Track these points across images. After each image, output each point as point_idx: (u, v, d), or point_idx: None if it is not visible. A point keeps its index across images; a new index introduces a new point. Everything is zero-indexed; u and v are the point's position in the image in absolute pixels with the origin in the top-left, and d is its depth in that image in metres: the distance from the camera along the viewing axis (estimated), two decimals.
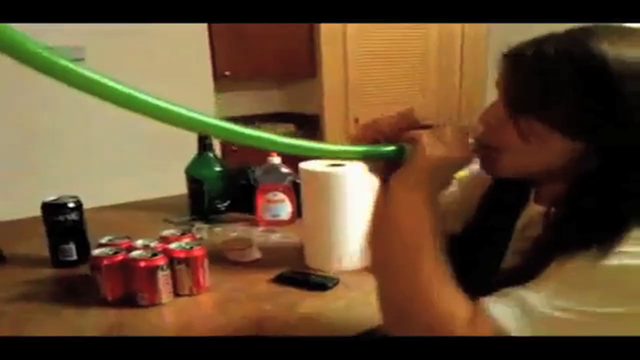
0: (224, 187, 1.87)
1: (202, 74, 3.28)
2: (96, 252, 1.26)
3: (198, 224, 1.75)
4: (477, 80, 4.49)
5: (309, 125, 3.95)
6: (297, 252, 1.49)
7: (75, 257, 1.44)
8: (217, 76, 3.35)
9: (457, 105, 4.67)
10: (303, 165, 1.43)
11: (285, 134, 0.81)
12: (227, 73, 3.46)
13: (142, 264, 1.21)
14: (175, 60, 3.15)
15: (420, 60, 4.49)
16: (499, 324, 0.73)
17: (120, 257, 1.24)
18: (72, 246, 1.43)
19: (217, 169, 1.86)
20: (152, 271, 1.21)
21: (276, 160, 1.76)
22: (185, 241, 1.32)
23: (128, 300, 1.23)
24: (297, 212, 1.74)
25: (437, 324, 0.76)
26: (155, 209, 1.98)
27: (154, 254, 1.23)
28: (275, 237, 1.64)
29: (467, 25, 4.55)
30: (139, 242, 1.30)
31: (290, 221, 1.75)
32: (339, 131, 4.00)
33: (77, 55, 2.83)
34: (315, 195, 1.39)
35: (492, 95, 0.89)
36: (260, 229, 1.72)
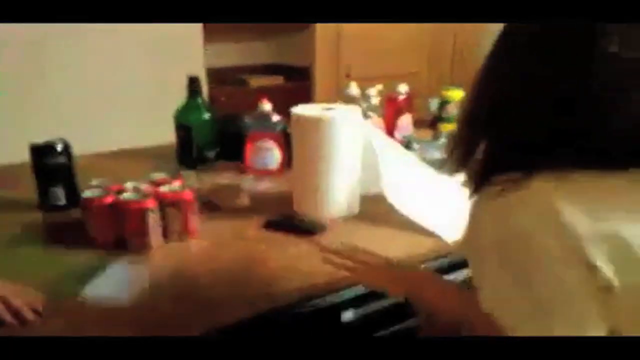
0: (213, 134, 1.86)
1: (191, 25, 3.23)
2: (87, 193, 1.25)
3: (186, 172, 1.74)
4: (470, 41, 4.47)
5: (299, 77, 3.92)
6: (286, 199, 1.50)
7: (64, 201, 1.43)
8: (207, 25, 3.29)
9: (450, 61, 4.64)
10: (295, 109, 1.42)
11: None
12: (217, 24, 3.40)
13: (132, 205, 1.21)
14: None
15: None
16: None
17: (110, 198, 1.24)
18: (61, 190, 1.42)
19: (206, 115, 1.85)
20: (142, 213, 1.21)
21: (267, 107, 1.75)
22: (176, 184, 1.32)
23: (118, 244, 1.24)
24: (287, 162, 1.74)
25: None
26: (143, 156, 1.97)
27: (144, 196, 1.23)
28: (264, 185, 1.64)
29: None
30: (129, 185, 1.30)
31: (279, 171, 1.75)
32: (329, 84, 3.97)
33: None
34: (305, 140, 1.39)
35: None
36: (249, 177, 1.72)
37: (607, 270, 0.71)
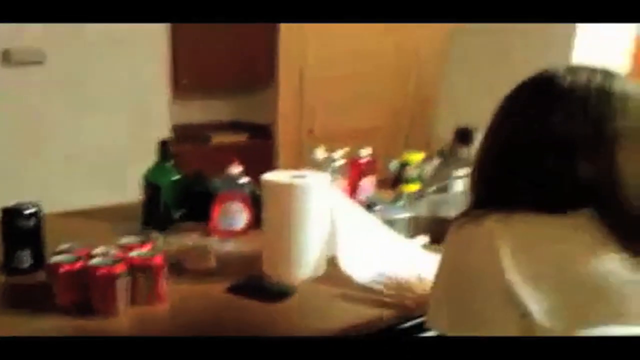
0: (181, 195, 1.89)
1: (158, 81, 3.28)
2: (55, 259, 1.26)
3: (154, 233, 1.75)
4: (430, 95, 4.61)
5: (262, 134, 3.98)
6: (253, 261, 1.52)
7: (29, 264, 1.43)
8: (176, 84, 3.35)
9: (410, 116, 4.77)
10: (266, 176, 1.47)
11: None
12: (184, 81, 3.47)
13: (101, 272, 1.22)
14: (134, 66, 3.15)
15: (376, 75, 4.57)
16: None
17: (78, 264, 1.25)
18: (27, 253, 1.42)
19: (175, 176, 1.88)
20: (111, 279, 1.22)
21: (236, 169, 1.79)
22: (145, 249, 1.34)
23: (84, 309, 1.24)
24: (254, 223, 1.78)
25: None
26: (109, 216, 1.97)
27: (113, 262, 1.24)
28: (230, 247, 1.67)
29: (423, 39, 4.65)
30: (98, 250, 1.31)
31: (244, 232, 1.78)
32: (292, 140, 4.04)
33: (37, 59, 2.81)
34: (277, 206, 1.44)
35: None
36: (215, 238, 1.74)
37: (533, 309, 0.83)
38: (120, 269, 1.23)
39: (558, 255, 0.87)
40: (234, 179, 1.80)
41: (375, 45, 4.46)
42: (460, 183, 2.35)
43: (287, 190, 1.42)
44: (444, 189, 2.31)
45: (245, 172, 1.86)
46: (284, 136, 4.04)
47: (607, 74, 0.96)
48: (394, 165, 2.44)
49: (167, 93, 3.34)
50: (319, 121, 4.22)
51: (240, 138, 3.88)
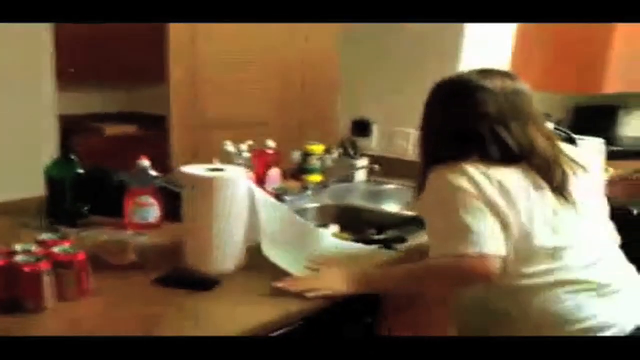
0: (86, 189, 1.85)
1: (43, 70, 3.13)
2: None
3: (64, 229, 1.71)
4: (319, 84, 4.74)
5: (155, 126, 3.91)
6: (172, 253, 1.54)
7: None
8: (61, 73, 3.22)
9: (300, 110, 4.87)
10: (185, 169, 1.48)
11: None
12: (71, 70, 3.34)
13: (27, 269, 1.20)
14: (17, 55, 2.99)
15: (265, 66, 4.62)
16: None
17: (2, 262, 1.21)
18: None
19: (79, 170, 1.83)
20: (38, 276, 1.20)
21: (146, 163, 1.78)
22: (67, 245, 1.32)
23: (11, 307, 1.21)
24: (166, 216, 1.78)
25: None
26: (6, 212, 1.89)
27: (38, 259, 1.22)
28: (145, 240, 1.66)
29: (312, 37, 4.76)
30: (19, 247, 1.27)
31: (158, 224, 1.78)
32: (186, 133, 4.00)
33: None
34: (198, 198, 1.45)
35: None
36: (129, 232, 1.73)
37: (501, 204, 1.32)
38: (45, 265, 1.21)
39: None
40: (143, 171, 1.79)
41: (264, 41, 4.52)
42: (361, 173, 2.47)
43: (208, 183, 1.44)
44: (346, 179, 2.42)
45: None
46: (178, 128, 3.99)
47: (509, 76, 1.47)
48: (296, 155, 2.51)
49: (52, 82, 3.19)
50: (212, 113, 4.20)
51: (132, 129, 3.79)
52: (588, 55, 2.85)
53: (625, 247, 1.55)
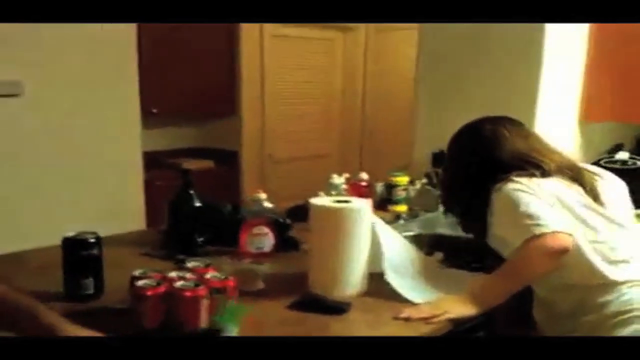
0: (203, 221, 1.98)
1: (130, 111, 3.32)
2: (139, 283, 1.34)
3: (189, 259, 1.83)
4: (378, 117, 4.87)
5: (228, 160, 4.08)
6: (296, 280, 1.64)
7: (92, 290, 1.50)
8: (145, 113, 3.40)
9: (359, 139, 5.00)
10: (314, 200, 1.60)
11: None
12: (154, 110, 3.53)
13: (189, 294, 1.31)
14: (105, 96, 3.18)
15: (327, 101, 4.78)
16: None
17: (163, 287, 1.33)
18: (90, 280, 1.49)
19: (197, 203, 1.97)
20: (197, 300, 1.31)
21: (262, 196, 1.91)
22: (213, 272, 1.44)
23: (167, 329, 1.32)
24: (278, 246, 1.90)
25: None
26: (122, 244, 2.02)
27: (197, 284, 1.34)
28: (267, 268, 1.77)
29: (369, 65, 4.92)
30: (173, 274, 1.39)
31: (272, 253, 1.89)
32: (255, 167, 4.15)
33: (13, 91, 2.80)
34: (326, 228, 1.57)
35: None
36: (246, 260, 1.84)
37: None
38: (203, 291, 1.33)
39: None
40: (259, 203, 1.92)
41: (326, 79, 4.71)
42: None
43: (335, 214, 1.55)
44: (431, 209, 2.51)
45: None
46: (248, 161, 4.15)
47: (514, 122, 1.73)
48: (379, 187, 2.61)
49: (138, 122, 3.37)
50: (277, 147, 4.36)
51: (208, 164, 3.96)
52: None
53: None
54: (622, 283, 1.50)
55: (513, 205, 1.51)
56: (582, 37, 2.86)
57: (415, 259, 1.74)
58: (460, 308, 1.47)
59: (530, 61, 2.62)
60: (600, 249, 1.51)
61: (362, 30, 4.95)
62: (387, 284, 1.57)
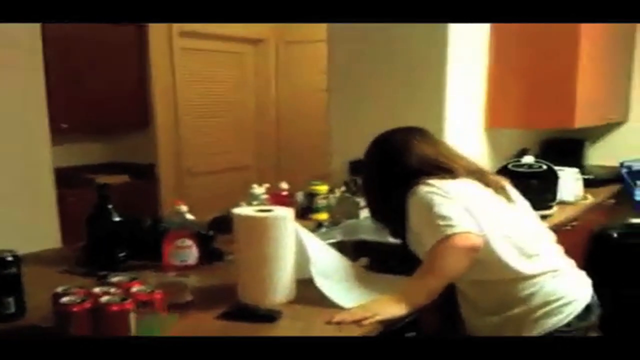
0: (123, 236, 1.94)
1: (39, 127, 3.20)
2: (64, 300, 1.30)
3: (112, 274, 1.78)
4: (292, 128, 4.92)
5: (144, 174, 3.99)
6: (224, 291, 1.64)
7: (13, 310, 1.44)
8: (54, 128, 3.29)
9: (276, 151, 5.03)
10: (237, 210, 1.60)
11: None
12: (64, 125, 3.42)
13: (115, 308, 1.29)
14: (12, 112, 3.05)
15: (241, 113, 4.79)
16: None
17: (89, 303, 1.30)
18: (11, 299, 1.43)
19: (116, 219, 1.92)
20: (124, 315, 1.29)
21: (183, 208, 1.89)
22: (138, 286, 1.41)
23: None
24: (203, 258, 1.89)
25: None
26: (44, 261, 1.96)
27: (123, 299, 1.31)
28: (192, 280, 1.76)
29: (280, 77, 4.96)
30: (97, 289, 1.36)
31: (197, 265, 1.87)
32: (173, 180, 4.09)
33: None
34: (251, 237, 1.57)
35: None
36: (170, 274, 1.82)
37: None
38: (130, 304, 1.31)
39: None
40: (180, 216, 1.90)
41: (238, 92, 4.72)
42: (366, 210, 2.61)
43: (259, 223, 1.57)
44: (352, 216, 2.56)
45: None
46: (165, 175, 4.09)
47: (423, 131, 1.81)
48: (300, 196, 2.64)
49: (48, 139, 3.25)
50: (195, 160, 4.32)
51: (123, 179, 3.86)
52: (558, 92, 3.09)
53: (609, 268, 1.78)
54: (540, 274, 1.60)
55: (427, 207, 1.59)
56: (484, 40, 3.00)
57: (341, 265, 1.77)
58: (389, 309, 1.51)
59: (434, 66, 2.73)
60: (515, 244, 1.60)
61: (272, 43, 4.99)
62: (316, 289, 1.59)
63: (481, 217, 1.59)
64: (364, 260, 1.94)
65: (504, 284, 1.61)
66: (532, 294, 1.60)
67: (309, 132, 4.70)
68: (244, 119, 4.93)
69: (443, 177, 1.66)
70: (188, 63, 4.36)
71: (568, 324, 1.61)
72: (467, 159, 1.79)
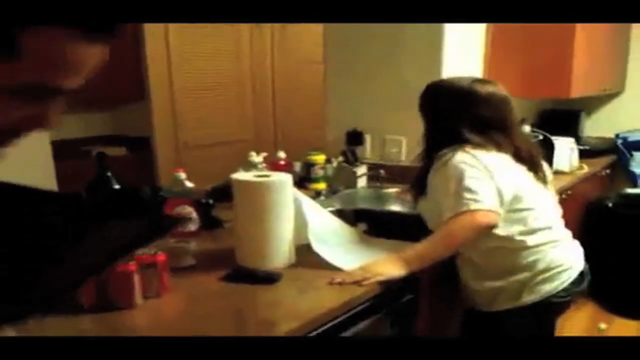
0: (122, 204, 1.95)
1: None
2: None
3: None
4: (289, 101, 4.92)
5: (140, 147, 3.99)
6: (225, 255, 1.66)
7: None
8: None
9: (273, 124, 5.03)
10: (236, 176, 1.62)
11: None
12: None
13: (119, 270, 1.31)
14: None
15: (237, 87, 4.77)
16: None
17: None
18: None
19: (115, 186, 1.94)
20: (129, 275, 1.31)
21: (182, 175, 1.91)
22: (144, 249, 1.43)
23: (103, 306, 1.31)
24: (204, 224, 1.91)
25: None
26: None
27: (126, 260, 1.33)
28: (194, 246, 1.78)
29: (276, 50, 4.95)
30: None
31: (197, 232, 1.89)
32: (170, 154, 4.09)
33: None
34: (250, 202, 1.59)
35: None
36: (173, 239, 1.84)
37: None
38: (134, 266, 1.32)
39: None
40: (180, 183, 1.91)
41: (234, 65, 4.70)
42: (363, 179, 2.64)
43: (259, 187, 1.58)
44: (349, 185, 2.58)
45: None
46: (162, 148, 4.09)
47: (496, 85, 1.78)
48: (297, 166, 2.65)
49: None
50: (192, 134, 4.31)
51: (120, 152, 3.87)
52: (555, 62, 3.10)
53: (604, 236, 1.83)
54: (545, 244, 1.66)
55: (458, 176, 1.61)
56: None
57: (340, 229, 1.79)
58: (390, 270, 1.54)
59: (431, 35, 2.72)
60: (523, 218, 1.65)
61: None
62: (316, 255, 1.61)
63: (509, 192, 1.63)
64: (362, 226, 1.96)
65: (511, 252, 1.66)
66: (535, 261, 1.66)
67: (306, 104, 4.68)
68: (240, 93, 4.91)
69: (486, 148, 1.67)
70: (183, 36, 4.33)
71: (565, 290, 1.67)
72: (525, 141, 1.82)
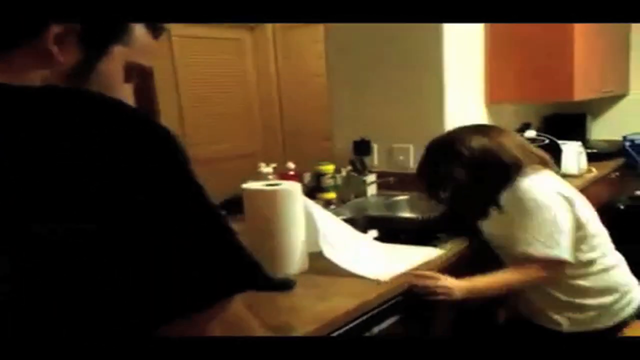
0: None
1: None
2: None
3: None
4: (296, 115, 4.94)
5: None
6: None
7: None
8: None
9: (281, 137, 5.05)
10: (247, 185, 1.63)
11: None
12: None
13: None
14: None
15: (244, 101, 4.81)
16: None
17: None
18: None
19: None
20: None
21: None
22: None
23: None
24: None
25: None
26: None
27: None
28: None
29: (280, 62, 4.98)
30: None
31: None
32: None
33: None
34: (261, 210, 1.60)
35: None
36: None
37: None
38: None
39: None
40: None
41: (239, 79, 4.73)
42: (372, 187, 2.65)
43: (270, 195, 1.59)
44: (360, 194, 2.59)
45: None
46: None
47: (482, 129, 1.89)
48: (307, 177, 2.67)
49: None
50: (200, 149, 4.34)
51: None
52: (555, 66, 3.09)
53: (616, 238, 1.86)
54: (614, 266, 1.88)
55: (541, 210, 1.68)
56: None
57: (350, 235, 1.80)
58: (458, 294, 1.59)
59: (431, 43, 2.72)
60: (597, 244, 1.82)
61: (269, 28, 4.99)
62: (327, 260, 1.62)
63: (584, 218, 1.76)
64: (373, 233, 1.97)
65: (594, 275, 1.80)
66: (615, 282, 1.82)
67: (313, 115, 4.70)
68: (248, 107, 4.94)
69: (535, 169, 1.77)
70: (187, 51, 4.37)
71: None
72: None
